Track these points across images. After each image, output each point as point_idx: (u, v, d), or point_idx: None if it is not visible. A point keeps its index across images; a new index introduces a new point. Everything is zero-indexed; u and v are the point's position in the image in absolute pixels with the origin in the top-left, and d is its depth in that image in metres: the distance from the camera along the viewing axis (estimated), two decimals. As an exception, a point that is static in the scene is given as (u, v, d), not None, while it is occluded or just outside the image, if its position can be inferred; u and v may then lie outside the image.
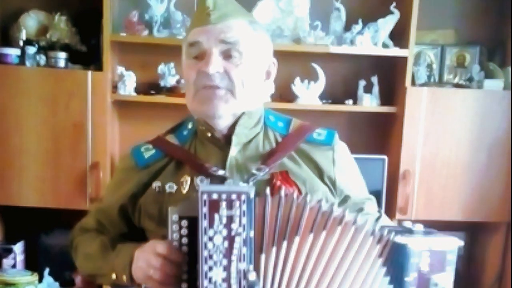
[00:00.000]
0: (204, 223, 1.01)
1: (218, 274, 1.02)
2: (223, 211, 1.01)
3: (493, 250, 2.89)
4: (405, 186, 2.67)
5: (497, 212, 2.73)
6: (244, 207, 1.02)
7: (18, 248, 2.72)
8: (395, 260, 1.08)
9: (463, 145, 2.68)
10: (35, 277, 2.59)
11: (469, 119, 2.66)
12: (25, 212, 2.71)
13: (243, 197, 1.02)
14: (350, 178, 1.33)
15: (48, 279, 2.66)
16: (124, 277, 1.18)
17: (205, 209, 1.01)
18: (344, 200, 1.29)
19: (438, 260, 1.09)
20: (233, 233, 1.02)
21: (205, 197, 1.01)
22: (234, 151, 1.26)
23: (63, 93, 2.53)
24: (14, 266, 2.68)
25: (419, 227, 1.14)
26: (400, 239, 1.10)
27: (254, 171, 1.21)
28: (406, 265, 1.08)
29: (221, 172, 1.21)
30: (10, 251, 2.68)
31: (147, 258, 1.10)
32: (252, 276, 1.03)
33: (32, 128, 2.54)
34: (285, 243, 1.05)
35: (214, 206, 1.01)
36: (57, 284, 2.69)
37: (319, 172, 1.28)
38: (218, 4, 1.20)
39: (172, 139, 1.34)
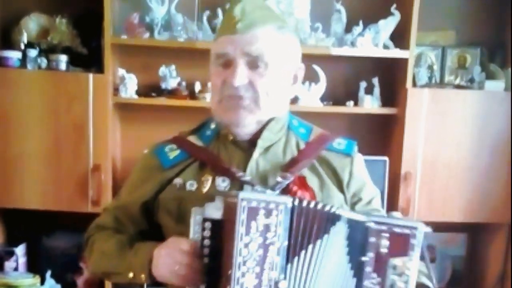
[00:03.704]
0: (241, 230, 1.02)
1: (250, 281, 1.03)
2: (261, 219, 1.03)
3: (495, 251, 2.88)
4: (407, 188, 2.67)
5: (498, 213, 2.73)
6: (281, 217, 1.04)
7: (20, 250, 2.72)
8: (354, 238, 1.09)
9: (464, 146, 2.67)
10: (37, 279, 2.60)
11: (470, 120, 2.66)
12: (27, 215, 2.71)
13: (281, 207, 1.04)
14: (364, 186, 1.35)
15: (50, 281, 2.67)
16: (143, 276, 1.20)
17: (243, 216, 1.02)
18: (356, 202, 1.33)
19: (399, 243, 1.07)
20: (268, 241, 1.03)
21: (244, 203, 1.03)
22: (256, 154, 1.28)
23: (64, 95, 2.53)
24: (16, 268, 2.68)
25: (397, 214, 1.14)
26: (360, 217, 1.10)
27: (279, 179, 1.22)
28: (365, 244, 1.08)
29: (248, 178, 1.23)
30: (12, 253, 2.68)
31: (173, 255, 1.12)
32: (282, 285, 1.04)
33: (34, 131, 2.54)
34: (303, 252, 1.07)
35: (252, 214, 1.03)
36: (59, 286, 2.70)
37: (337, 180, 1.31)
38: (247, 11, 1.21)
39: (195, 140, 1.35)
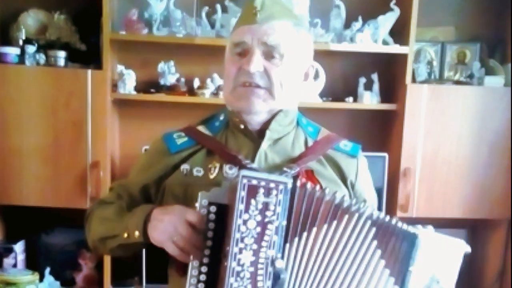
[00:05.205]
0: (240, 206, 1.04)
1: (247, 257, 1.05)
2: (260, 197, 1.05)
3: (494, 247, 2.89)
4: (406, 184, 2.67)
5: (498, 209, 2.73)
6: (280, 196, 1.05)
7: (19, 247, 2.72)
8: (403, 248, 1.13)
9: (463, 142, 2.67)
10: (36, 276, 2.60)
11: (470, 116, 2.66)
12: (26, 212, 2.71)
13: (281, 186, 1.06)
14: (367, 188, 1.41)
15: (49, 278, 2.67)
16: (136, 233, 1.20)
17: (243, 193, 1.04)
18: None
19: (443, 258, 1.14)
20: (266, 220, 1.05)
21: (245, 181, 1.04)
22: (265, 145, 1.31)
23: (63, 92, 2.52)
24: (15, 265, 2.68)
25: (430, 228, 1.17)
26: (412, 229, 1.14)
27: (285, 169, 1.25)
28: (413, 255, 1.13)
29: (254, 166, 1.25)
30: (10, 250, 2.68)
31: (176, 224, 1.12)
32: (279, 264, 1.06)
33: (32, 127, 2.54)
34: (305, 234, 1.09)
35: (252, 191, 1.04)
36: (58, 283, 2.69)
37: (342, 177, 1.34)
38: (266, 4, 1.26)
39: (203, 129, 1.38)
